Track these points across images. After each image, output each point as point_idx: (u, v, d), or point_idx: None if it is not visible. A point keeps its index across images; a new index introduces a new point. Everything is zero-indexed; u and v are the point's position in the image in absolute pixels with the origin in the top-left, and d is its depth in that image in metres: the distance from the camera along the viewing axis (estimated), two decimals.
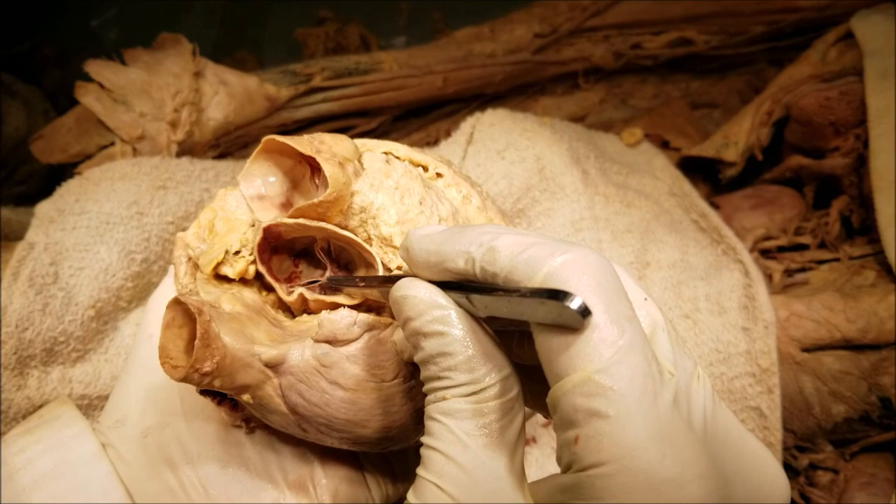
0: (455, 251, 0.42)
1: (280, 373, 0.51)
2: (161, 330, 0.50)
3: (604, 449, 0.35)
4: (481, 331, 0.42)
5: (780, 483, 0.42)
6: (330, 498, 0.57)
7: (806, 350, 0.91)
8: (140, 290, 0.93)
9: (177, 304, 0.50)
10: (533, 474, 0.84)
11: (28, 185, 1.38)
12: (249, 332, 0.51)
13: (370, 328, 0.51)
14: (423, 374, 0.43)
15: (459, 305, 0.42)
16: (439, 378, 0.41)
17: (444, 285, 0.43)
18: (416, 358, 0.43)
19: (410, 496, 0.41)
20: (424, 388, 0.43)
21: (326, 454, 0.58)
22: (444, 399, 0.41)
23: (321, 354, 0.50)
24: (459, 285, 0.42)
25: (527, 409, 0.45)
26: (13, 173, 1.37)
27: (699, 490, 0.35)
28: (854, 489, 0.90)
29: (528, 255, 0.38)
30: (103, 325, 0.90)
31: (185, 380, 0.48)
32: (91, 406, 0.87)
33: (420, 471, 0.41)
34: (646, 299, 0.43)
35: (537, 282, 0.37)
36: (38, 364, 0.85)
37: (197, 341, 0.47)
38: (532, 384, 0.44)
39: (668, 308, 0.95)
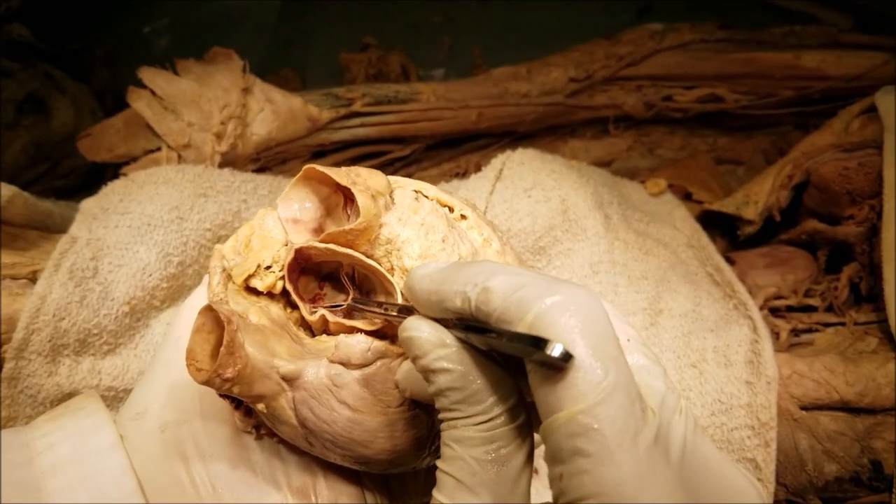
0: (452, 291, 0.44)
1: (295, 387, 0.53)
2: (191, 334, 0.53)
3: (585, 486, 0.37)
4: (486, 362, 0.44)
5: None
6: None
7: (804, 408, 0.92)
8: (174, 291, 0.96)
9: (208, 311, 0.53)
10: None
11: (69, 180, 1.42)
12: (271, 346, 0.53)
13: (382, 356, 0.54)
14: (437, 404, 0.45)
15: (463, 340, 0.45)
16: (450, 410, 0.44)
17: (447, 321, 0.46)
18: (429, 391, 0.45)
19: None
20: (439, 416, 0.45)
21: (329, 467, 0.60)
22: (455, 427, 0.44)
23: (334, 374, 0.53)
24: (460, 323, 0.45)
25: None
26: (56, 166, 1.41)
27: None
28: None
29: (519, 296, 0.40)
30: (136, 321, 0.93)
31: (207, 383, 0.51)
32: (116, 398, 0.89)
33: (435, 492, 0.44)
34: (629, 340, 0.45)
35: (527, 322, 0.39)
36: (70, 353, 0.88)
37: (222, 348, 0.50)
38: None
39: (677, 356, 0.96)
